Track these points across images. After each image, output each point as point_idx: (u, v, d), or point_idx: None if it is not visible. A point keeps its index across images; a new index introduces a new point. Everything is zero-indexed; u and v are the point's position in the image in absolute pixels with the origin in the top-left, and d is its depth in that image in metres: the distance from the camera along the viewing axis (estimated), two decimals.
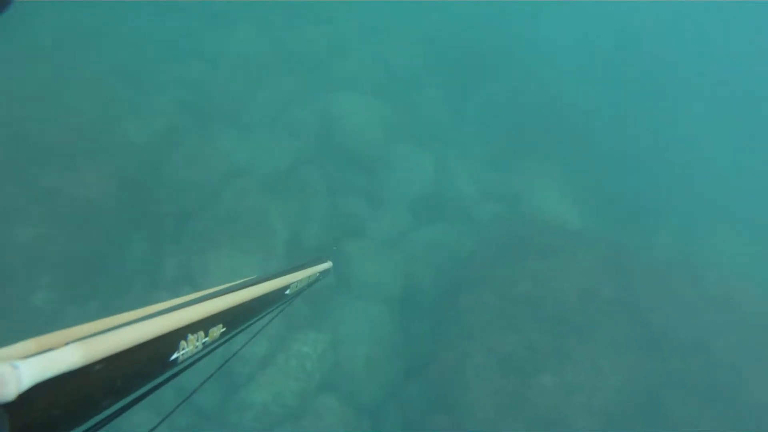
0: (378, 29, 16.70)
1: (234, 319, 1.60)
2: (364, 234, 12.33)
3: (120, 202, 10.01)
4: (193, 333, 1.31)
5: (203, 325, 1.37)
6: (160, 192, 10.80)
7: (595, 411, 8.75)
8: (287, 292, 2.28)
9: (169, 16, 14.63)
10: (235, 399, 9.38)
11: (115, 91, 11.94)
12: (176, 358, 1.25)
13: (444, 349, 9.17)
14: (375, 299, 11.37)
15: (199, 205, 11.12)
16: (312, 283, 2.76)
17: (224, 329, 1.52)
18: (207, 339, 1.40)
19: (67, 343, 0.90)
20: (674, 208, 14.53)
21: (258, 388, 9.51)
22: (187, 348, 1.29)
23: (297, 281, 2.40)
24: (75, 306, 9.01)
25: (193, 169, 11.32)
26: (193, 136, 12.01)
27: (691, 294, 9.77)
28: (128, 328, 1.07)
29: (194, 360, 1.37)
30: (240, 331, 1.73)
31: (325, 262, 3.11)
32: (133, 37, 13.79)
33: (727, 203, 15.12)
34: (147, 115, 11.64)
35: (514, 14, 18.45)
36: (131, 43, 13.62)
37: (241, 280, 1.88)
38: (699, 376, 9.08)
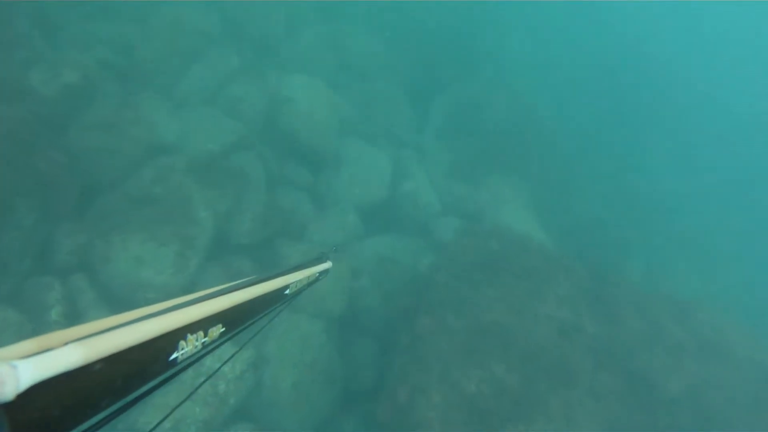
0: (336, 13, 15.02)
1: (233, 319, 1.56)
2: (305, 237, 10.58)
3: (6, 159, 7.87)
4: (192, 333, 1.29)
5: (202, 325, 1.34)
6: (64, 156, 8.72)
7: None
8: (287, 292, 2.21)
9: None
10: (122, 426, 7.34)
11: (25, 36, 9.85)
12: (175, 358, 1.24)
13: (394, 380, 7.48)
14: (310, 313, 9.63)
15: (111, 178, 9.14)
16: (311, 283, 2.68)
17: (223, 329, 1.48)
18: (206, 339, 1.37)
19: (66, 343, 0.90)
20: (656, 240, 13.50)
21: (154, 412, 7.53)
22: (187, 348, 1.27)
23: (296, 281, 2.33)
24: None
25: (107, 137, 9.32)
26: (113, 99, 10.04)
27: (682, 335, 8.48)
28: (128, 328, 1.07)
29: (193, 360, 1.34)
30: (239, 332, 1.66)
31: (325, 262, 3.03)
32: None
33: (711, 235, 14.30)
34: (59, 67, 9.57)
35: (485, 19, 17.14)
36: None
37: (241, 280, 1.78)
38: None
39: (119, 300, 8.22)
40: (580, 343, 8.07)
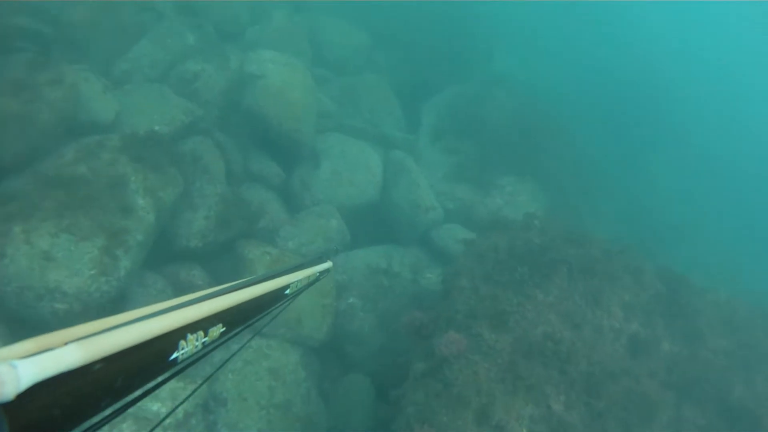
0: (311, 6, 13.01)
1: (234, 318, 1.50)
2: (275, 242, 8.29)
3: None
4: (192, 333, 1.25)
5: (203, 324, 1.30)
6: None
7: None
8: (287, 291, 2.12)
9: None
10: None
11: None
12: (176, 358, 1.18)
13: (407, 425, 5.14)
14: (282, 338, 7.32)
15: (17, 153, 6.80)
16: (312, 282, 2.61)
17: (224, 329, 1.43)
18: (206, 339, 1.33)
19: (66, 343, 0.87)
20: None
21: None
22: (187, 348, 1.22)
23: (297, 281, 2.26)
24: None
25: (16, 101, 7.00)
26: (28, 61, 7.71)
27: None
28: (128, 328, 1.02)
29: (193, 360, 1.28)
30: (240, 331, 1.58)
31: (326, 262, 2.95)
32: None
33: None
34: None
35: (482, 15, 15.44)
36: None
37: (241, 280, 1.68)
38: None
39: (12, 315, 5.78)
40: (657, 366, 5.90)
